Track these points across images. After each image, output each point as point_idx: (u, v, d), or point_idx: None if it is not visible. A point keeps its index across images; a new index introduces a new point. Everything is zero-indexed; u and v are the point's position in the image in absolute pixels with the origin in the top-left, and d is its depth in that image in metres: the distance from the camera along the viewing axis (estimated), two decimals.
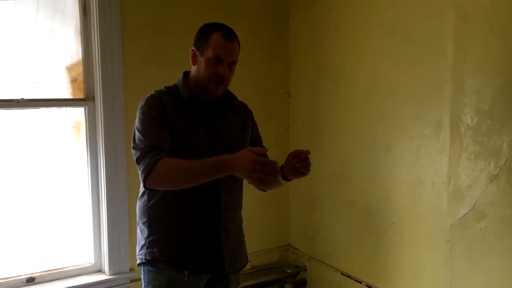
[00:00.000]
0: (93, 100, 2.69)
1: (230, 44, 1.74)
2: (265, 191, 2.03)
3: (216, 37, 1.72)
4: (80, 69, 2.69)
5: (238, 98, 1.94)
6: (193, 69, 1.79)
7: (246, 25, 3.13)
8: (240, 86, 2.23)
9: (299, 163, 1.70)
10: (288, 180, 1.79)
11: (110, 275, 2.74)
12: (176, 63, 1.92)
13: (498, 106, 2.06)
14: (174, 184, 1.66)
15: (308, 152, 1.71)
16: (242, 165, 1.53)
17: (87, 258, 2.80)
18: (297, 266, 3.36)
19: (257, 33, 3.19)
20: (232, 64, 1.77)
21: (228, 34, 1.74)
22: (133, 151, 1.70)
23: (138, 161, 1.66)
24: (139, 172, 1.66)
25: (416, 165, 2.45)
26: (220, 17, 2.39)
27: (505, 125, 2.04)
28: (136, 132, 1.72)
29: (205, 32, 1.76)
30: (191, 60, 1.79)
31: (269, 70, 3.26)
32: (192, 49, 1.78)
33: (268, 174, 1.52)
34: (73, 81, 2.70)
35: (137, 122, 1.74)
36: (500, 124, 2.06)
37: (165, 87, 1.83)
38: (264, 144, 2.09)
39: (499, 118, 2.06)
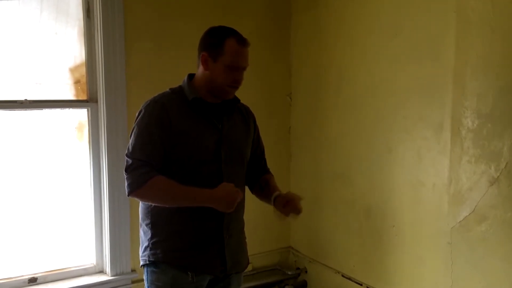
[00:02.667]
0: (96, 101, 2.71)
1: (245, 50, 1.78)
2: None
3: (231, 44, 1.74)
4: (83, 70, 2.71)
5: (239, 98, 1.95)
6: (204, 74, 1.80)
7: (248, 26, 3.11)
8: (242, 87, 2.24)
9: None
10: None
11: (111, 276, 2.75)
12: (179, 65, 1.93)
13: (499, 110, 2.07)
14: (156, 203, 1.77)
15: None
16: (220, 207, 1.71)
17: (89, 259, 2.82)
18: (298, 268, 3.36)
19: (258, 35, 3.19)
20: (245, 68, 1.81)
21: (242, 40, 1.77)
22: (126, 157, 1.75)
23: (128, 170, 1.72)
24: (126, 181, 1.73)
25: (417, 167, 2.46)
26: (222, 19, 2.40)
27: (505, 128, 2.05)
28: (132, 137, 1.77)
29: (217, 38, 1.76)
30: (202, 66, 1.79)
31: (270, 72, 3.28)
32: (203, 54, 1.77)
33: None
34: (76, 82, 2.72)
35: (135, 125, 1.78)
36: (501, 127, 2.07)
37: (170, 89, 1.85)
38: (265, 146, 2.10)
39: (500, 122, 2.07)
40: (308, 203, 3.24)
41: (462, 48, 2.20)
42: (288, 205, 1.84)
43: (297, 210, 1.84)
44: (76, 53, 2.70)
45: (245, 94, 2.11)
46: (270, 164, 2.13)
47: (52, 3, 2.63)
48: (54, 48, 2.65)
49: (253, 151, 2.00)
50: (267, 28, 3.24)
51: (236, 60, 1.75)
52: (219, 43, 1.75)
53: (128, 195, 1.75)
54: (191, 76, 1.86)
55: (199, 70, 1.82)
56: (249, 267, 3.12)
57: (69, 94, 2.71)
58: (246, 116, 1.97)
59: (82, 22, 2.68)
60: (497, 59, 2.08)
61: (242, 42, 1.76)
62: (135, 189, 1.70)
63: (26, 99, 2.55)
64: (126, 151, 1.76)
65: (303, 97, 3.26)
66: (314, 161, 3.19)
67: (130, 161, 1.72)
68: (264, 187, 1.98)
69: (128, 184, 1.72)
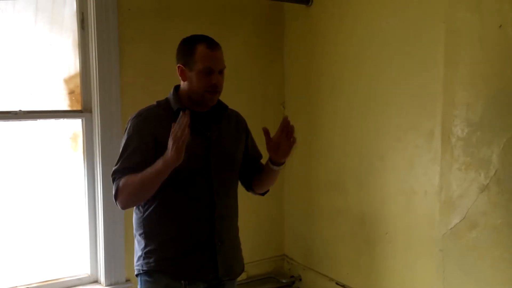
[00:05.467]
0: (90, 111, 2.72)
1: (216, 53, 1.79)
2: (263, 194, 2.06)
3: (201, 50, 1.77)
4: (77, 81, 2.73)
5: (233, 108, 1.97)
6: (184, 84, 1.83)
7: (242, 36, 3.18)
8: (235, 96, 2.26)
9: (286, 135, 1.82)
10: (279, 164, 1.90)
11: (106, 286, 2.75)
12: (173, 75, 1.95)
13: (488, 118, 2.11)
14: (135, 198, 1.77)
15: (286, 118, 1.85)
16: (170, 154, 1.61)
17: (83, 269, 2.82)
18: (292, 276, 3.37)
19: (252, 44, 3.23)
20: (221, 72, 1.81)
21: (212, 44, 1.79)
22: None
23: (112, 182, 1.78)
24: None
25: (408, 174, 2.49)
26: (217, 29, 2.44)
27: (494, 136, 2.09)
28: (120, 150, 1.80)
29: (188, 47, 1.81)
30: (180, 77, 1.83)
31: (264, 80, 3.30)
32: (179, 66, 1.82)
33: (182, 133, 1.60)
34: (71, 93, 2.74)
35: (122, 139, 1.82)
36: (490, 135, 2.10)
37: (157, 101, 1.88)
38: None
39: (489, 130, 2.11)
40: (302, 211, 3.29)
41: (451, 58, 2.24)
42: (280, 147, 1.86)
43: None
44: (70, 63, 2.72)
45: (238, 102, 2.13)
46: None
47: (47, 14, 2.65)
48: (49, 59, 2.67)
49: (249, 153, 2.02)
50: (261, 37, 3.27)
51: (208, 65, 1.77)
52: (190, 51, 1.79)
53: (122, 208, 1.80)
54: (177, 88, 1.88)
55: (181, 82, 1.86)
56: (244, 276, 3.14)
57: (63, 104, 2.72)
58: (236, 121, 1.98)
59: (76, 33, 2.70)
60: (485, 69, 2.12)
61: (212, 46, 1.79)
62: (116, 199, 1.75)
63: (20, 110, 2.56)
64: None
65: (297, 106, 3.29)
66: (307, 170, 3.21)
67: (112, 174, 1.78)
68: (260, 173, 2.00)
69: (113, 196, 1.77)
